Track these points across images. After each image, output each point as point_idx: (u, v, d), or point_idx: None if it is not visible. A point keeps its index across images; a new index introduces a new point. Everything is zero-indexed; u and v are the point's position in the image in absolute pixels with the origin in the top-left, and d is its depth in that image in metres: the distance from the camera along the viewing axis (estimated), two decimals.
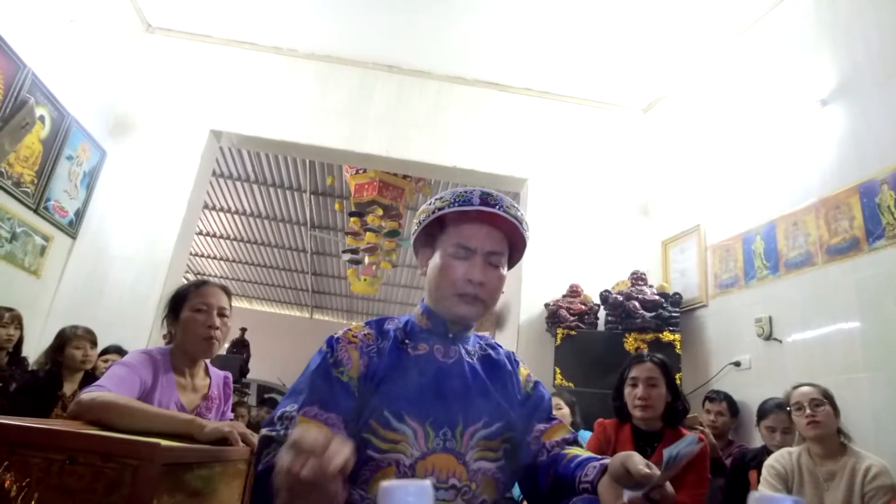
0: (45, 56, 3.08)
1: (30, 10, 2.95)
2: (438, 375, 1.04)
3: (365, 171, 5.39)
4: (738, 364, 3.03)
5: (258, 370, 8.02)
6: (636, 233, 4.08)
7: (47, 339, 2.70)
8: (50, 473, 0.80)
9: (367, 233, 5.83)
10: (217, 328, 1.52)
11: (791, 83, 2.99)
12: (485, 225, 1.06)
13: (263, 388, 8.66)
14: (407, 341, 1.08)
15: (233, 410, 2.12)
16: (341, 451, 0.67)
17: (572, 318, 3.49)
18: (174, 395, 1.47)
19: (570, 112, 4.32)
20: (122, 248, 3.56)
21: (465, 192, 1.06)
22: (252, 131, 3.95)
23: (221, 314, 1.55)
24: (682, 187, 3.81)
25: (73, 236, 3.50)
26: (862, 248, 2.42)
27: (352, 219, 5.93)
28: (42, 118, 3.09)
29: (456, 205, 1.04)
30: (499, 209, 1.03)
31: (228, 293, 1.61)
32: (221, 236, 8.20)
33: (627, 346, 3.30)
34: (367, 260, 6.23)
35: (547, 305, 3.66)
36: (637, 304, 3.34)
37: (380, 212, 5.63)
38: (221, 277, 9.93)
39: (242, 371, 6.67)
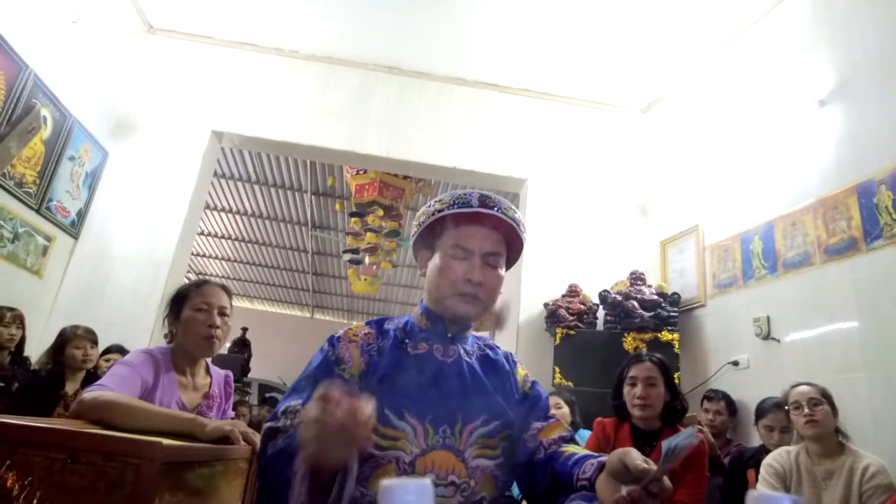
0: (47, 57, 3.09)
1: (32, 11, 2.96)
2: (438, 374, 1.06)
3: (365, 171, 5.40)
4: (736, 363, 3.03)
5: (259, 369, 8.03)
6: (635, 233, 4.09)
7: (49, 339, 2.71)
8: (52, 472, 0.81)
9: (368, 233, 5.84)
10: (218, 327, 1.53)
11: (789, 84, 3.00)
12: (483, 226, 1.08)
13: (264, 388, 8.68)
14: (406, 341, 1.10)
15: (234, 409, 2.13)
16: (368, 403, 0.71)
17: (571, 318, 3.50)
18: (175, 394, 1.48)
19: (570, 113, 4.32)
20: (124, 248, 3.57)
21: (464, 194, 1.08)
22: (253, 132, 3.96)
23: (222, 313, 1.56)
24: (680, 187, 3.81)
25: (75, 236, 3.51)
26: (860, 249, 2.43)
27: (352, 219, 5.94)
28: (44, 119, 3.11)
29: (455, 207, 1.07)
30: (497, 211, 1.06)
31: (229, 292, 1.63)
32: (223, 236, 8.21)
33: (626, 345, 3.30)
34: (367, 260, 6.24)
35: (546, 305, 3.67)
36: (636, 303, 3.35)
37: (380, 212, 5.64)
38: (223, 277, 9.94)
39: (244, 370, 6.68)
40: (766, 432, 2.48)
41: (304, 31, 3.99)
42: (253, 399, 7.75)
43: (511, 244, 1.13)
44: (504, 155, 4.15)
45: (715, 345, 3.25)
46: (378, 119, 4.10)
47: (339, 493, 0.78)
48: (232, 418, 1.65)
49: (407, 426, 0.99)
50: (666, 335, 3.28)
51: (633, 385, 2.08)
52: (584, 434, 2.57)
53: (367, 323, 1.13)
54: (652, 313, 3.33)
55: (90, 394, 1.26)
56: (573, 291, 3.66)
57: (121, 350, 2.95)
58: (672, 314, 3.35)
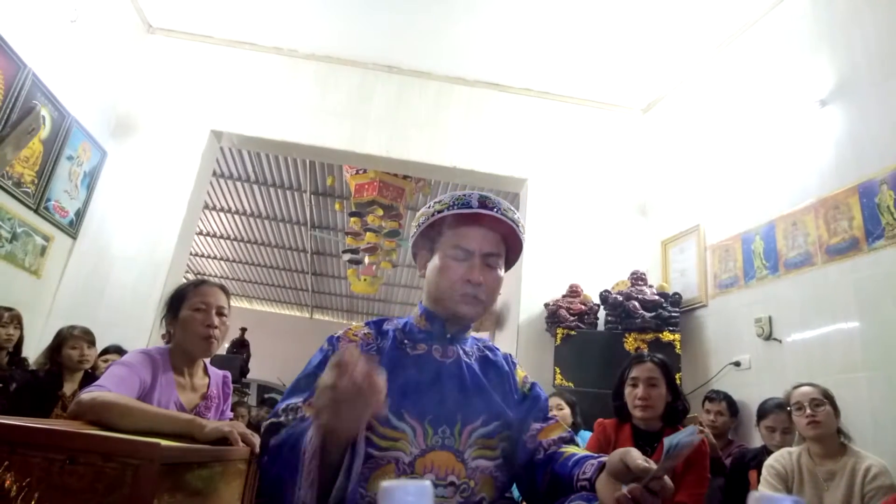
0: (46, 56, 3.08)
1: (30, 10, 2.95)
2: (437, 374, 1.06)
3: (365, 171, 5.39)
4: (737, 364, 3.03)
5: (258, 370, 8.02)
6: (636, 233, 4.09)
7: (48, 340, 2.70)
8: (50, 473, 0.80)
9: (368, 233, 5.84)
10: (216, 327, 1.53)
11: (790, 84, 3.00)
12: (483, 227, 1.08)
13: (263, 388, 8.68)
14: (406, 342, 1.10)
15: (233, 410, 2.12)
16: (380, 369, 0.74)
17: (572, 318, 3.50)
18: (173, 394, 1.47)
19: (570, 112, 4.32)
20: (123, 248, 3.56)
21: (464, 195, 1.09)
22: (252, 132, 3.96)
23: (220, 313, 1.55)
24: (681, 187, 3.81)
25: (74, 236, 3.50)
26: (861, 249, 2.42)
27: (352, 219, 5.93)
28: (42, 119, 3.10)
29: (455, 207, 1.07)
30: (496, 212, 1.06)
31: (227, 292, 1.62)
32: (222, 236, 8.20)
33: (627, 346, 3.30)
34: (367, 260, 6.23)
35: (547, 305, 3.67)
36: (637, 304, 3.34)
37: (380, 212, 5.64)
38: (222, 277, 9.94)
39: (242, 371, 6.67)
40: (768, 433, 2.48)
41: (303, 30, 3.99)
42: (252, 400, 7.74)
43: (510, 245, 1.13)
44: (504, 155, 4.15)
45: (716, 345, 3.25)
46: (378, 119, 4.10)
47: (348, 467, 0.78)
48: (230, 419, 1.65)
49: (406, 427, 0.99)
50: (667, 335, 3.27)
51: (635, 386, 2.08)
52: (586, 435, 2.56)
53: (367, 323, 1.13)
54: (653, 313, 3.33)
55: (88, 394, 1.25)
56: (574, 292, 3.66)
57: (119, 350, 2.95)
58: (673, 314, 3.35)
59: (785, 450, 2.13)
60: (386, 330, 1.12)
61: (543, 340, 3.67)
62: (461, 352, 1.11)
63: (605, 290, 3.53)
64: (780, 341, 2.78)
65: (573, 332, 3.44)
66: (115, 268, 3.52)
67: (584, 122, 4.31)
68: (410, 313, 1.18)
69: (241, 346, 7.37)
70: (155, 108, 3.87)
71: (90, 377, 2.57)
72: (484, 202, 1.07)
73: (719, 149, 3.49)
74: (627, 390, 2.10)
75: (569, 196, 4.10)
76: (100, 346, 2.83)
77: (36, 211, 3.14)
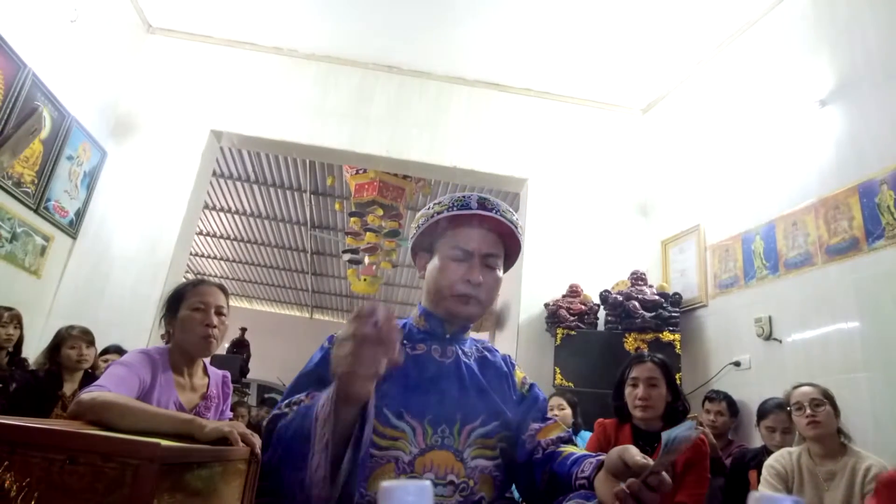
0: (46, 56, 3.08)
1: (30, 10, 2.95)
2: (436, 374, 1.07)
3: (365, 171, 5.39)
4: (737, 364, 3.03)
5: (258, 370, 8.02)
6: (636, 233, 4.09)
7: (48, 340, 2.70)
8: (50, 473, 0.80)
9: (368, 233, 5.83)
10: (215, 327, 1.53)
11: (790, 84, 3.00)
12: (482, 228, 1.09)
13: (263, 388, 8.68)
14: (405, 342, 1.11)
15: (233, 410, 2.12)
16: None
17: (572, 318, 3.50)
18: (173, 394, 1.47)
19: (570, 112, 4.32)
20: (123, 248, 3.56)
21: (463, 196, 1.10)
22: (252, 131, 3.96)
23: (219, 313, 1.55)
24: (681, 187, 3.81)
25: (74, 236, 3.50)
26: (861, 248, 2.42)
27: (352, 219, 5.93)
28: (43, 119, 3.09)
29: (454, 209, 1.09)
30: (495, 213, 1.08)
31: (226, 292, 1.62)
32: (222, 236, 8.20)
33: (627, 346, 3.30)
34: (367, 260, 6.23)
35: (547, 305, 3.66)
36: (637, 304, 3.34)
37: (380, 212, 5.64)
38: (222, 277, 9.94)
39: (242, 371, 6.67)
40: (768, 433, 2.48)
41: (303, 30, 3.99)
42: (252, 400, 7.75)
43: (509, 246, 1.14)
44: (504, 154, 4.15)
45: (716, 345, 3.25)
46: (378, 119, 4.10)
47: (360, 427, 0.80)
48: (230, 419, 1.65)
49: (406, 426, 1.00)
50: (667, 335, 3.27)
51: (635, 386, 2.08)
52: (586, 435, 2.57)
53: None
54: (653, 313, 3.33)
55: (88, 394, 1.25)
56: (574, 292, 3.66)
57: (119, 350, 2.95)
58: (673, 314, 3.34)
59: (785, 450, 2.13)
60: None
61: (543, 340, 3.67)
62: (460, 352, 1.12)
63: (605, 290, 3.53)
64: (780, 341, 2.78)
65: (573, 332, 3.44)
66: (115, 268, 3.52)
67: (584, 122, 4.31)
68: (410, 313, 1.19)
69: (240, 345, 7.37)
70: (155, 108, 3.87)
71: (90, 377, 2.57)
72: (483, 203, 1.08)
73: (719, 149, 3.49)
74: (627, 390, 2.10)
75: (569, 196, 4.10)
76: (100, 346, 2.83)
77: (36, 211, 3.14)
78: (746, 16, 3.36)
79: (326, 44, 4.10)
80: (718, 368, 3.15)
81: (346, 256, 6.57)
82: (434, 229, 1.12)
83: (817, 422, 1.98)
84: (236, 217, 7.41)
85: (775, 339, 2.81)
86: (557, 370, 3.36)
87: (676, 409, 2.07)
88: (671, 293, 3.43)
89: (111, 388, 1.30)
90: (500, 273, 1.12)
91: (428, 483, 0.43)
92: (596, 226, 4.05)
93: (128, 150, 3.76)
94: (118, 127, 3.77)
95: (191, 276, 8.39)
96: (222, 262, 9.36)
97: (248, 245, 8.46)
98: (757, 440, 2.66)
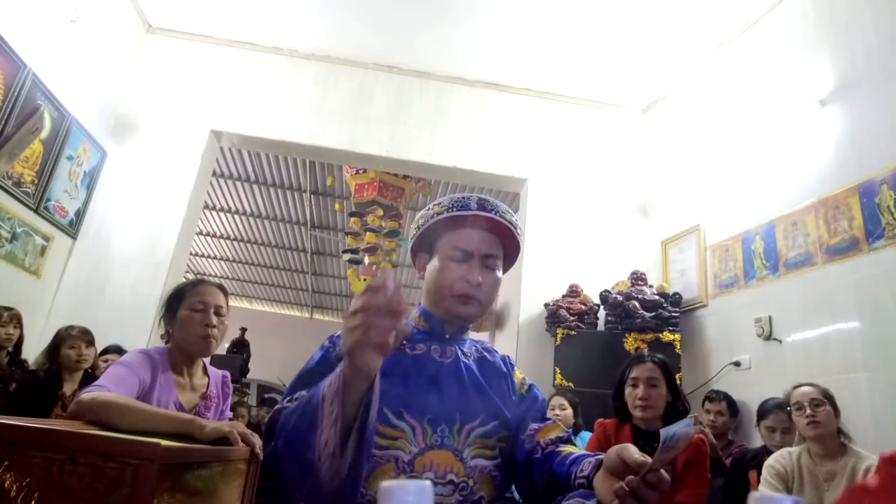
0: (46, 56, 3.08)
1: (30, 10, 2.95)
2: (436, 374, 1.07)
3: (365, 171, 5.39)
4: (737, 364, 3.03)
5: (258, 370, 8.02)
6: (636, 233, 4.09)
7: (48, 340, 2.70)
8: (50, 473, 0.80)
9: (367, 233, 5.83)
10: (214, 326, 1.53)
11: (790, 84, 3.00)
12: (481, 229, 1.10)
13: (263, 388, 8.68)
14: (404, 342, 1.11)
15: (233, 410, 2.12)
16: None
17: (572, 318, 3.50)
18: (173, 394, 1.47)
19: (570, 112, 4.32)
20: (123, 248, 3.56)
21: (463, 197, 1.11)
22: (252, 131, 3.96)
23: (218, 313, 1.55)
24: (681, 187, 3.81)
25: (74, 236, 3.50)
26: (861, 248, 2.42)
27: (352, 219, 5.93)
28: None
29: (454, 210, 1.09)
30: (495, 214, 1.09)
31: (225, 292, 1.62)
32: (222, 236, 8.20)
33: (627, 346, 3.30)
34: (367, 260, 6.23)
35: (547, 305, 3.67)
36: (637, 304, 3.34)
37: (380, 212, 5.64)
38: (222, 277, 9.94)
39: (242, 371, 6.67)
40: (768, 433, 2.48)
41: (303, 30, 3.99)
42: (252, 400, 7.75)
43: (508, 247, 1.15)
44: (504, 154, 4.15)
45: (716, 345, 3.25)
46: (378, 119, 4.10)
47: (367, 402, 0.80)
48: (230, 419, 1.65)
49: (405, 426, 1.00)
50: (667, 335, 3.27)
51: (635, 386, 2.08)
52: (587, 436, 2.56)
53: None
54: (653, 313, 3.33)
55: (88, 394, 1.25)
56: (574, 291, 3.66)
57: (119, 350, 2.95)
58: (673, 314, 3.34)
59: (785, 450, 2.13)
60: None
61: (543, 340, 3.67)
62: (459, 352, 1.13)
63: (605, 290, 3.53)
64: (780, 341, 2.78)
65: (573, 332, 3.44)
66: (115, 268, 3.52)
67: (584, 122, 4.31)
68: (410, 314, 1.19)
69: (240, 345, 7.37)
70: (155, 108, 3.87)
71: (90, 377, 2.57)
72: (482, 205, 1.09)
73: (719, 149, 3.49)
74: (628, 390, 2.10)
75: (569, 196, 4.10)
76: (100, 346, 2.83)
77: (36, 211, 3.14)
78: (746, 16, 3.36)
79: (326, 44, 4.10)
80: (718, 368, 3.15)
81: (346, 256, 6.57)
82: (434, 230, 1.12)
83: (817, 422, 1.98)
84: (236, 217, 7.41)
85: (775, 339, 2.81)
86: (557, 370, 3.36)
87: (676, 409, 2.07)
88: (671, 293, 3.43)
89: (111, 388, 1.30)
90: (499, 274, 1.13)
91: (428, 483, 0.43)
92: (596, 226, 4.05)
93: (128, 150, 3.76)
94: (118, 127, 3.77)
95: (191, 276, 8.39)
96: (222, 262, 9.36)
97: (248, 245, 8.46)
98: (757, 440, 2.66)
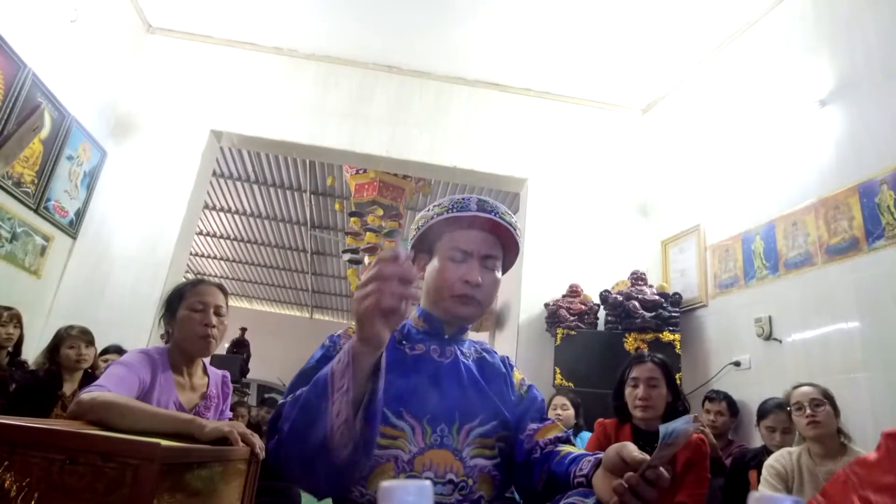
0: (46, 56, 3.08)
1: (30, 10, 2.95)
2: (435, 374, 1.07)
3: (365, 171, 5.39)
4: (737, 364, 3.03)
5: (258, 370, 8.03)
6: (636, 233, 4.09)
7: (48, 340, 2.70)
8: (50, 473, 0.80)
9: (368, 233, 5.83)
10: (214, 326, 1.53)
11: (790, 84, 3.00)
12: (481, 230, 1.10)
13: (263, 388, 8.69)
14: (404, 342, 1.12)
15: (233, 410, 2.12)
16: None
17: (572, 318, 3.50)
18: (173, 394, 1.47)
19: (570, 112, 4.32)
20: (123, 248, 3.56)
21: (462, 198, 1.12)
22: (252, 131, 3.96)
23: (218, 313, 1.55)
24: (681, 187, 3.81)
25: (74, 236, 3.50)
26: (861, 248, 2.42)
27: (352, 219, 5.93)
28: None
29: (454, 210, 1.10)
30: (494, 215, 1.09)
31: (225, 291, 1.62)
32: (222, 236, 8.20)
33: (627, 346, 3.30)
34: (367, 260, 6.23)
35: (547, 305, 3.66)
36: (637, 303, 3.34)
37: (380, 212, 5.64)
38: (222, 277, 9.94)
39: (242, 371, 6.67)
40: (768, 433, 2.48)
41: (303, 30, 3.99)
42: (252, 400, 7.75)
43: (507, 248, 1.15)
44: (504, 154, 4.15)
45: (716, 345, 3.25)
46: (378, 119, 4.10)
47: (377, 371, 0.81)
48: (230, 419, 1.65)
49: (405, 425, 1.00)
50: (667, 335, 3.27)
51: (635, 386, 2.08)
52: (587, 437, 2.56)
53: None
54: (653, 313, 3.33)
55: (88, 394, 1.25)
56: (574, 291, 3.66)
57: (119, 350, 2.95)
58: (673, 314, 3.34)
59: (785, 450, 2.13)
60: None
61: (543, 340, 3.67)
62: (459, 352, 1.13)
63: (605, 290, 3.53)
64: (780, 341, 2.78)
65: (573, 332, 3.44)
66: (115, 268, 3.52)
67: (584, 122, 4.31)
68: (408, 316, 1.19)
69: (240, 345, 7.38)
70: (155, 108, 3.87)
71: (90, 377, 2.56)
72: (482, 205, 1.10)
73: (719, 149, 3.49)
74: (628, 390, 2.10)
75: (569, 196, 4.10)
76: (100, 346, 2.82)
77: (36, 211, 3.14)
78: (746, 16, 3.36)
79: (326, 44, 4.10)
80: (718, 368, 3.15)
81: (346, 256, 6.57)
82: (433, 231, 1.13)
83: (817, 422, 1.98)
84: (236, 217, 7.41)
85: (775, 339, 2.81)
86: (557, 370, 3.36)
87: (676, 409, 2.07)
88: (671, 293, 3.43)
89: (111, 387, 1.30)
90: (498, 274, 1.13)
91: (428, 483, 0.43)
92: (596, 226, 4.05)
93: (128, 150, 3.76)
94: (118, 127, 3.78)
95: (191, 276, 8.39)
96: (222, 262, 9.36)
97: (248, 245, 8.46)
98: (757, 440, 2.66)
